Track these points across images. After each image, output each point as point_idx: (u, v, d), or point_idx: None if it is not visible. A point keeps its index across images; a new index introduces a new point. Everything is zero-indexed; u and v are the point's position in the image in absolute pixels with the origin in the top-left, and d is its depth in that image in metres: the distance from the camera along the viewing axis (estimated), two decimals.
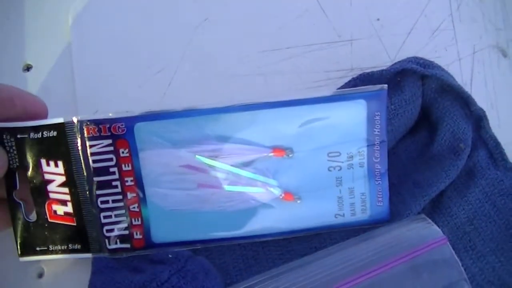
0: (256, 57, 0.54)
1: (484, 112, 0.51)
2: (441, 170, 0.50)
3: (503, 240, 0.49)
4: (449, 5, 0.57)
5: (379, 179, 0.46)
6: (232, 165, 0.45)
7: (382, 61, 0.53)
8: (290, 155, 0.45)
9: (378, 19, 0.56)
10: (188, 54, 0.54)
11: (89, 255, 0.46)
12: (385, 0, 0.56)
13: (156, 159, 0.45)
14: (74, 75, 0.51)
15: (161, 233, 0.46)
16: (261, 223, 0.47)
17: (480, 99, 0.52)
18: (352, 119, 0.44)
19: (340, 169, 0.45)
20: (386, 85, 0.44)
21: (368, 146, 0.45)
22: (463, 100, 0.50)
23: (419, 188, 0.49)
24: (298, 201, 0.47)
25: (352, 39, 0.56)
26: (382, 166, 0.46)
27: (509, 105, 0.54)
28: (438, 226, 0.46)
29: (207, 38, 0.55)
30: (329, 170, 0.45)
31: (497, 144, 0.51)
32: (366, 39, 0.56)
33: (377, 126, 0.44)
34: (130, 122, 0.41)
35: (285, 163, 0.44)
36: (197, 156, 0.44)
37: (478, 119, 0.51)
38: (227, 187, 0.45)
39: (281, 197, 0.47)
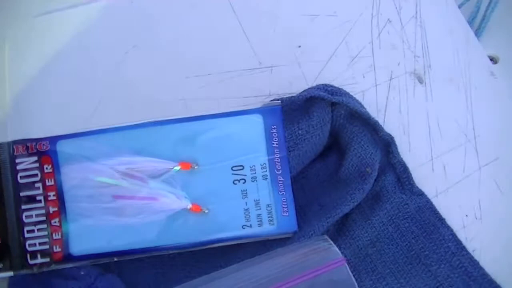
0: (180, 83, 0.57)
1: (392, 137, 0.53)
2: (346, 193, 0.51)
3: (403, 262, 0.51)
4: (370, 32, 0.60)
5: (283, 190, 0.48)
6: (142, 178, 0.48)
7: (300, 87, 0.54)
8: (196, 167, 0.49)
9: (299, 46, 0.59)
10: (116, 79, 0.57)
11: (11, 273, 0.48)
12: (308, 27, 0.59)
13: (76, 174, 0.48)
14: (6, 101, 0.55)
15: (79, 246, 0.49)
16: (171, 235, 0.49)
17: (394, 125, 0.56)
18: (251, 133, 0.47)
19: (245, 182, 0.49)
20: (280, 101, 0.49)
21: (269, 159, 0.49)
22: (371, 126, 0.52)
23: (323, 210, 0.51)
24: (206, 212, 0.49)
25: (273, 65, 0.58)
26: (284, 178, 0.49)
27: (420, 131, 0.56)
28: (341, 248, 0.48)
29: (134, 64, 0.57)
30: (234, 183, 0.48)
31: (405, 169, 0.54)
32: (286, 65, 0.58)
33: (275, 139, 0.48)
34: (53, 140, 0.46)
35: (192, 176, 0.48)
36: (97, 178, 0.46)
37: (386, 145, 0.53)
38: (135, 198, 0.49)
39: (189, 208, 0.49)
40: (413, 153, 0.56)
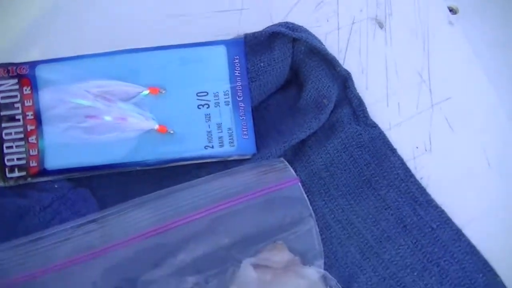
0: (153, 21, 0.60)
1: (349, 73, 0.57)
2: (304, 121, 0.55)
3: (355, 186, 0.55)
4: None
5: (243, 116, 0.52)
6: (113, 100, 0.53)
7: None
8: (163, 92, 0.53)
9: None
10: (94, 11, 0.61)
11: None
12: None
13: (52, 95, 0.52)
14: None
15: (53, 161, 0.53)
16: (139, 153, 0.53)
17: (353, 65, 0.59)
18: (215, 62, 0.51)
19: (208, 107, 0.52)
20: (243, 34, 0.53)
21: (231, 86, 0.52)
22: (329, 62, 0.56)
23: (281, 135, 0.55)
24: (172, 132, 0.53)
25: (243, 8, 0.61)
26: (245, 104, 0.52)
27: (378, 71, 0.60)
28: (296, 171, 0.52)
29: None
30: (198, 107, 0.52)
31: (361, 103, 0.57)
32: (254, 9, 0.61)
33: (238, 69, 0.51)
34: (33, 64, 0.49)
35: (160, 100, 0.51)
36: (72, 100, 0.52)
37: (344, 80, 0.57)
38: (107, 117, 0.53)
39: (156, 128, 0.53)
40: (370, 90, 0.59)
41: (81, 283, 0.47)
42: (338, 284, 0.49)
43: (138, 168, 0.53)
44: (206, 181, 0.51)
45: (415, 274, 0.52)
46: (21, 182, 0.52)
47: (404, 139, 0.57)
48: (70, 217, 0.50)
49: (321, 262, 0.50)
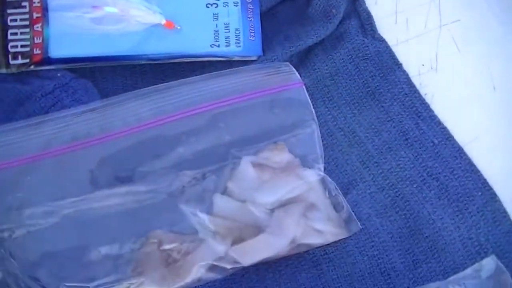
0: None
1: None
2: (311, 29, 0.54)
3: (359, 96, 0.54)
4: None
5: (252, 17, 0.50)
6: None
7: None
8: None
9: None
10: None
11: None
12: None
13: None
14: None
15: (58, 50, 0.51)
16: (144, 46, 0.52)
17: None
18: None
19: (217, 6, 0.50)
20: None
21: None
22: None
23: (288, 40, 0.54)
24: (179, 28, 0.52)
25: None
26: (254, 6, 0.52)
27: None
28: (301, 76, 0.51)
29: None
30: (207, 6, 0.50)
31: (369, 16, 0.56)
32: None
33: None
34: None
35: None
36: None
37: None
38: (113, 9, 0.52)
39: (163, 23, 0.52)
40: (379, 5, 0.58)
41: (77, 170, 0.47)
42: (337, 188, 0.49)
43: (142, 62, 0.52)
44: (210, 77, 0.50)
45: (414, 186, 0.52)
46: (23, 69, 0.51)
47: (411, 56, 0.57)
48: (71, 104, 0.50)
49: (321, 166, 0.50)
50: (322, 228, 0.48)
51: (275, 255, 0.46)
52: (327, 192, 0.50)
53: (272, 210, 0.47)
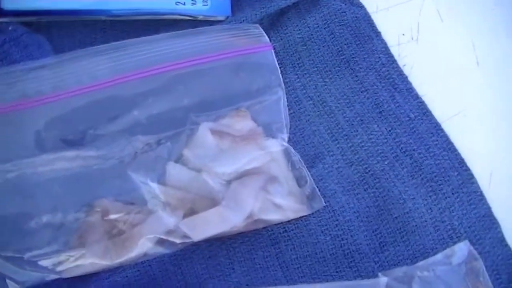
0: None
1: None
2: None
3: (332, 64, 0.51)
4: None
5: None
6: None
7: None
8: None
9: None
10: None
11: None
12: None
13: None
14: None
15: (11, 1, 0.48)
16: (107, 0, 0.49)
17: None
18: None
19: None
20: None
21: None
22: None
23: (259, 1, 0.51)
24: None
25: None
26: None
27: None
28: (271, 40, 0.48)
29: None
30: None
31: None
32: None
33: None
34: None
35: None
36: None
37: None
38: None
39: None
40: None
41: (24, 130, 0.44)
42: (301, 160, 0.46)
43: (103, 18, 0.49)
44: (172, 36, 0.47)
45: (386, 163, 0.49)
46: None
47: (390, 25, 0.53)
48: (21, 59, 0.47)
49: (285, 136, 0.47)
50: (282, 203, 0.46)
51: (229, 231, 0.44)
52: (290, 165, 0.47)
53: (229, 182, 0.45)
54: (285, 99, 0.47)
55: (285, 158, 0.47)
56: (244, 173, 0.45)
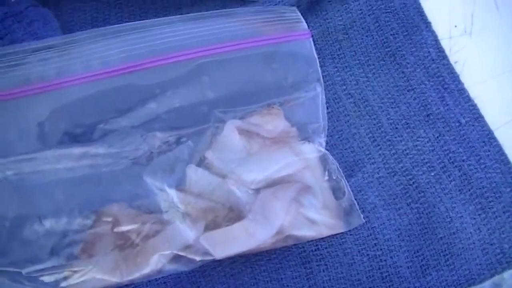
0: None
1: None
2: None
3: (376, 57, 0.46)
4: None
5: None
6: None
7: None
8: None
9: None
10: None
11: None
12: None
13: None
14: None
15: None
16: None
17: None
18: None
19: None
20: None
21: None
22: None
23: None
24: None
25: None
26: None
27: None
28: (309, 26, 0.42)
29: None
30: None
31: None
32: None
33: None
34: None
35: None
36: None
37: None
38: None
39: None
40: None
41: (25, 121, 0.39)
42: (340, 169, 0.41)
43: None
44: (194, 18, 0.41)
45: (432, 174, 0.43)
46: None
47: (442, 14, 0.48)
48: (24, 38, 0.41)
49: (322, 140, 0.41)
50: (317, 218, 0.40)
51: (256, 248, 0.38)
52: (326, 174, 0.41)
53: (258, 191, 0.39)
54: (324, 97, 0.41)
55: (322, 165, 0.41)
56: (274, 181, 0.40)
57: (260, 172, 0.39)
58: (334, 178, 0.41)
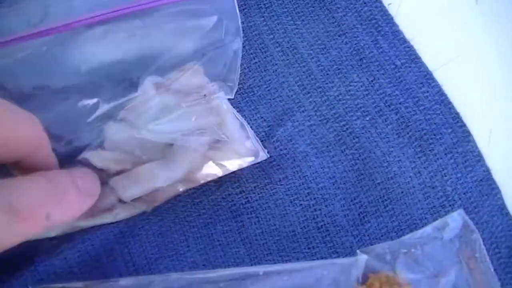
0: None
1: None
2: None
3: (305, 3, 0.44)
4: None
5: None
6: None
7: None
8: None
9: None
10: None
11: None
12: None
13: None
14: None
15: None
16: None
17: None
18: None
19: None
20: None
21: None
22: None
23: None
24: None
25: None
26: None
27: None
28: None
29: None
30: None
31: None
32: None
33: None
34: None
35: None
36: None
37: None
38: None
39: None
40: None
41: None
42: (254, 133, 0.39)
43: None
44: None
45: (367, 119, 0.42)
46: None
47: None
48: None
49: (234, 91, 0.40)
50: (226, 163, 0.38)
51: (171, 190, 0.38)
52: (240, 126, 0.40)
53: (173, 142, 0.38)
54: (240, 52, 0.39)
55: (234, 118, 0.40)
56: (188, 134, 0.38)
57: (174, 126, 0.38)
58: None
